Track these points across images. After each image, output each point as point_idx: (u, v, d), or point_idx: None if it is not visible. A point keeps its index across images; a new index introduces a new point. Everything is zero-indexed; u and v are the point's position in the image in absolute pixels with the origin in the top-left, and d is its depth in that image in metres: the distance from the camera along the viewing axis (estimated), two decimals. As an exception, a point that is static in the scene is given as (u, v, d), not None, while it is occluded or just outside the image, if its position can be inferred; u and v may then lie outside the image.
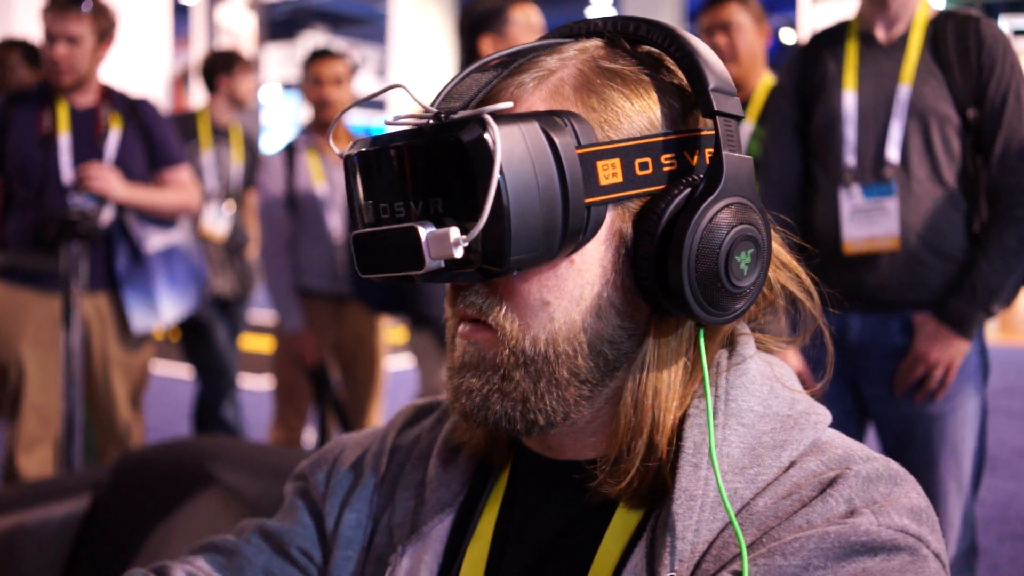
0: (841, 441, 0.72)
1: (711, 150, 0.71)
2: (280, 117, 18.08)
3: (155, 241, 3.21)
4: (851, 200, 2.17)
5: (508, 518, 0.80)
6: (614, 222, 0.69)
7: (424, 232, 0.64)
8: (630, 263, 0.70)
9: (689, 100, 0.72)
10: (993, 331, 9.68)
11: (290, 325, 3.48)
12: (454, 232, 0.63)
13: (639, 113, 0.70)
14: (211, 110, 4.32)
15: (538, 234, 0.64)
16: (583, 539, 0.74)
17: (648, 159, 0.69)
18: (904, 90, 2.14)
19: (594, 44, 0.75)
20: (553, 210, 0.65)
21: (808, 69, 2.31)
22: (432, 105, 0.70)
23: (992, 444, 5.00)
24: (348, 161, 0.72)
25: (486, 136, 0.62)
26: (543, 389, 0.70)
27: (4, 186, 3.14)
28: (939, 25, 2.17)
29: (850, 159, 2.19)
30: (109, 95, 3.20)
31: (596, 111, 0.69)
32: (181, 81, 15.32)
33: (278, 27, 17.66)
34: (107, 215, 3.08)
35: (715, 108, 0.68)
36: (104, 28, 3.09)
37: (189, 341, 4.12)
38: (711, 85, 0.69)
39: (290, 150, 3.58)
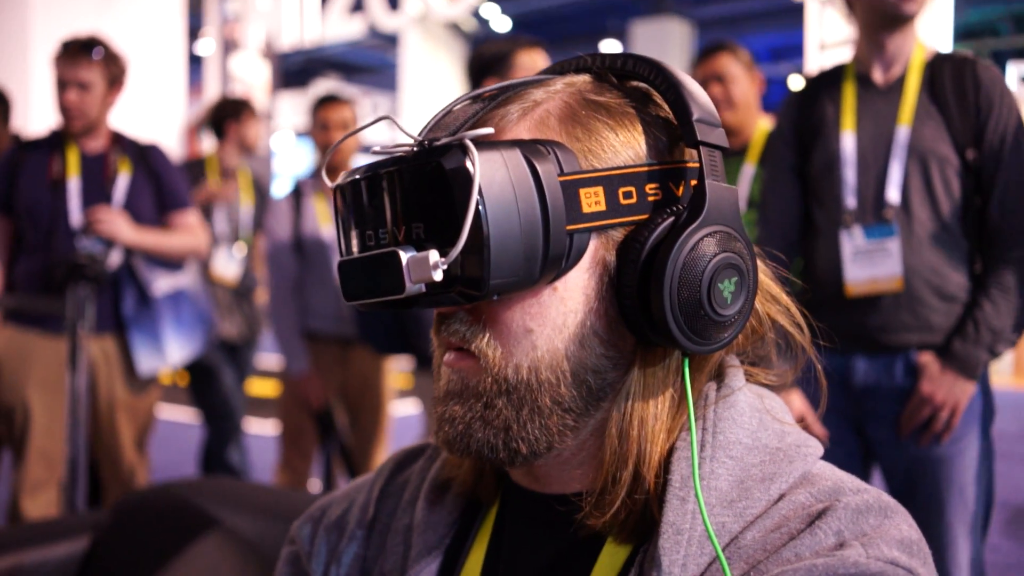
0: (832, 473, 0.71)
1: (696, 182, 0.71)
2: (292, 164, 18.24)
3: (162, 284, 3.23)
4: (852, 242, 2.17)
5: (496, 556, 0.79)
6: (597, 251, 0.69)
7: (405, 256, 0.64)
8: (613, 291, 0.69)
9: (675, 133, 0.73)
10: (1008, 375, 9.60)
11: (296, 368, 3.48)
12: (433, 255, 0.63)
13: (624, 144, 0.70)
14: (220, 155, 4.37)
15: (518, 259, 0.64)
16: (570, 574, 0.73)
17: (632, 188, 0.69)
18: (903, 131, 2.14)
19: (582, 79, 0.75)
20: (534, 236, 0.65)
21: (805, 112, 2.32)
22: (419, 135, 0.71)
23: (1010, 492, 4.92)
24: (337, 192, 0.73)
25: (466, 161, 0.63)
26: (525, 417, 0.70)
27: (14, 230, 3.17)
28: (936, 67, 2.17)
29: (850, 201, 2.20)
30: (119, 140, 3.25)
31: (580, 141, 0.70)
32: (195, 130, 15.50)
33: (291, 76, 17.89)
34: (115, 258, 3.11)
35: (699, 138, 0.68)
36: (114, 75, 3.14)
37: (196, 384, 4.12)
38: (695, 116, 0.69)
39: (297, 194, 3.60)
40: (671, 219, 0.68)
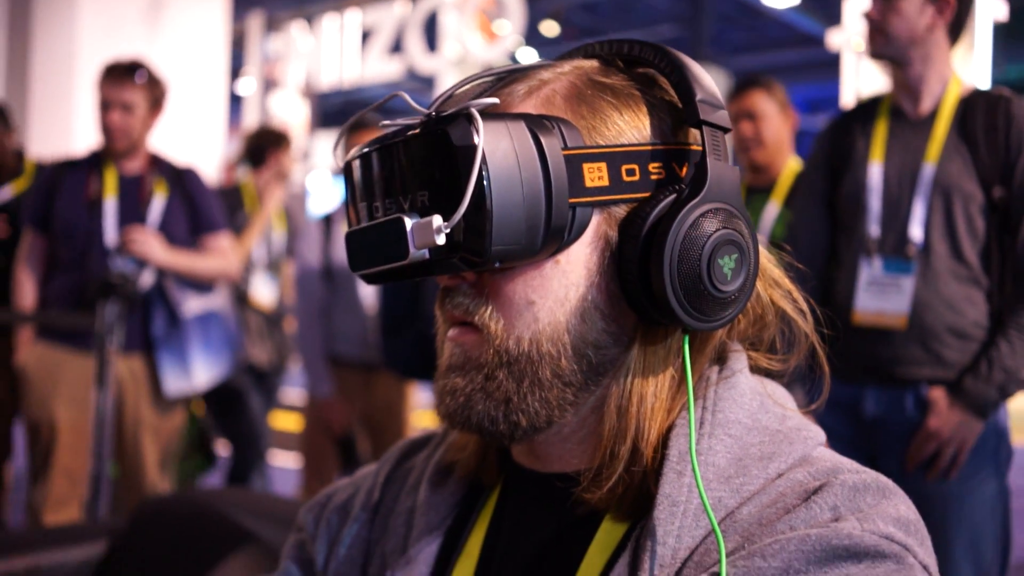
0: (831, 456, 0.71)
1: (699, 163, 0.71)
2: (328, 203, 18.46)
3: (193, 305, 3.26)
4: (871, 271, 2.17)
5: (496, 535, 0.79)
6: (600, 226, 0.70)
7: (409, 222, 0.65)
8: (615, 267, 0.70)
9: (679, 116, 0.74)
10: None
11: (320, 392, 3.49)
12: (436, 220, 0.64)
13: (628, 124, 0.71)
14: (256, 182, 4.43)
15: (520, 226, 0.65)
16: (569, 551, 0.73)
17: (635, 166, 0.70)
18: (929, 168, 2.14)
19: (590, 63, 0.77)
20: (536, 205, 0.66)
21: (839, 141, 2.33)
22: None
23: (1017, 549, 4.78)
24: (347, 168, 0.74)
25: (471, 129, 0.64)
26: (526, 389, 0.70)
27: (49, 248, 3.23)
28: (970, 103, 2.17)
29: (874, 229, 2.19)
30: (156, 162, 3.31)
31: (585, 119, 0.71)
32: (234, 166, 15.72)
33: (330, 116, 18.14)
34: (147, 278, 3.15)
35: (701, 117, 0.69)
36: (156, 97, 3.22)
37: (222, 409, 4.13)
38: (698, 96, 0.70)
39: (328, 221, 3.64)
40: (673, 196, 0.69)
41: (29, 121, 9.75)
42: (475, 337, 0.71)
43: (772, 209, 3.02)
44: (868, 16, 2.18)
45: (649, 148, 0.70)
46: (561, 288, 0.69)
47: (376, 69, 12.67)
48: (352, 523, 0.88)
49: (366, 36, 12.88)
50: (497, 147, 0.65)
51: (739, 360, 0.75)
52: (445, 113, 0.67)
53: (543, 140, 0.66)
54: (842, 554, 0.61)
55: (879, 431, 2.17)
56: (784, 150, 3.10)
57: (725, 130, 0.70)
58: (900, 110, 2.26)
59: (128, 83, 3.15)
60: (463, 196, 0.63)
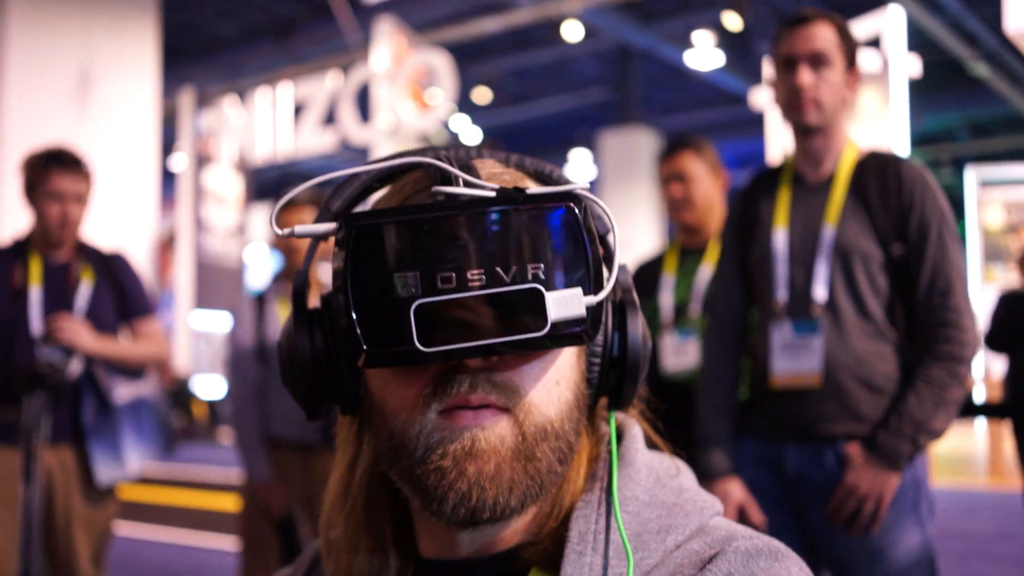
0: (727, 525, 0.73)
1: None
2: (264, 276, 18.31)
3: (123, 392, 3.19)
4: (782, 334, 2.23)
5: None
6: None
7: (549, 294, 0.65)
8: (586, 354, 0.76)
9: None
10: (983, 476, 9.57)
11: (258, 475, 3.42)
12: (577, 291, 0.66)
13: None
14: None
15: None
16: None
17: None
18: (828, 230, 2.22)
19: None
20: None
21: (746, 209, 2.40)
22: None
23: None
24: (400, 227, 0.66)
25: (590, 207, 0.70)
26: (556, 465, 0.71)
27: None
28: (864, 166, 2.24)
29: (781, 294, 2.26)
30: (82, 249, 3.26)
31: None
32: (167, 244, 15.55)
33: (264, 190, 18.08)
34: (75, 367, 3.07)
35: None
36: (91, 186, 3.20)
37: None
38: None
39: (260, 300, 3.60)
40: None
41: (-47, 205, 9.56)
42: (506, 419, 0.69)
43: (705, 271, 3.05)
44: (799, 86, 2.21)
45: None
46: (567, 367, 0.72)
47: (310, 141, 12.71)
48: None
49: (299, 109, 12.94)
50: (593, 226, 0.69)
51: (636, 437, 0.78)
52: (555, 190, 0.68)
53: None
54: None
55: (803, 488, 2.20)
56: (715, 211, 3.13)
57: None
58: (801, 176, 2.32)
59: (81, 174, 3.14)
60: (588, 271, 0.67)
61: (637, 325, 0.75)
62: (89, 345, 3.06)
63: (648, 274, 3.18)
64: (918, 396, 2.07)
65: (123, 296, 3.27)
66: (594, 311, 0.66)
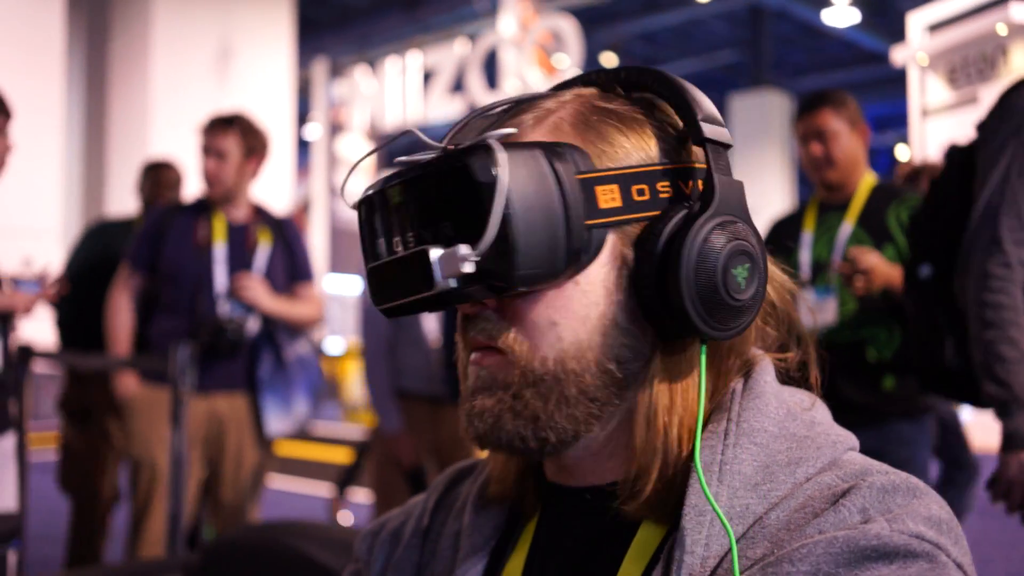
0: (861, 459, 0.71)
1: (704, 180, 0.74)
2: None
3: (293, 350, 3.40)
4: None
5: (536, 553, 0.81)
6: (615, 246, 0.72)
7: (434, 253, 0.68)
8: (632, 283, 0.72)
9: (681, 136, 0.76)
10: None
11: (389, 427, 3.53)
12: (462, 249, 0.66)
13: (634, 146, 0.74)
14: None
15: (543, 251, 0.68)
16: (606, 562, 0.75)
17: (645, 186, 0.72)
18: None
19: (589, 91, 0.80)
20: (556, 229, 0.68)
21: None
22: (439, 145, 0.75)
23: None
24: (363, 205, 0.77)
25: (493, 159, 0.67)
26: (553, 407, 0.72)
27: (147, 289, 3.35)
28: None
29: None
30: (260, 212, 3.45)
31: (593, 143, 0.73)
32: (303, 210, 16.02)
33: (395, 156, 18.38)
34: (252, 324, 3.29)
35: (704, 135, 0.72)
36: (251, 146, 3.33)
37: None
38: (700, 116, 0.72)
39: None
40: (684, 212, 0.71)
41: (107, 173, 10.11)
42: (499, 359, 0.73)
43: (846, 228, 2.93)
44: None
45: (658, 168, 0.73)
46: (582, 308, 0.71)
47: (439, 108, 12.86)
48: (405, 549, 0.90)
49: (428, 77, 13.09)
50: (517, 176, 0.67)
51: (766, 370, 0.76)
52: (463, 145, 0.70)
53: (558, 166, 0.69)
54: (871, 555, 0.61)
55: None
56: (858, 167, 2.98)
57: (727, 146, 0.73)
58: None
59: (220, 131, 3.29)
60: (487, 225, 0.66)
61: (682, 259, 0.68)
62: (268, 304, 3.27)
63: (786, 231, 3.10)
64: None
65: (293, 260, 3.47)
66: (498, 263, 0.67)
